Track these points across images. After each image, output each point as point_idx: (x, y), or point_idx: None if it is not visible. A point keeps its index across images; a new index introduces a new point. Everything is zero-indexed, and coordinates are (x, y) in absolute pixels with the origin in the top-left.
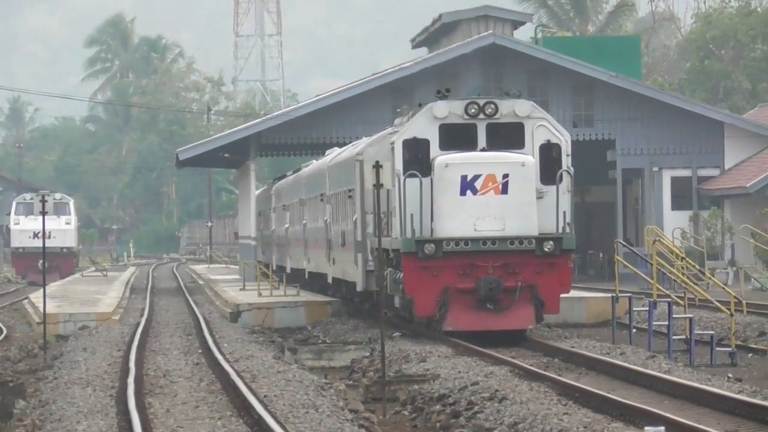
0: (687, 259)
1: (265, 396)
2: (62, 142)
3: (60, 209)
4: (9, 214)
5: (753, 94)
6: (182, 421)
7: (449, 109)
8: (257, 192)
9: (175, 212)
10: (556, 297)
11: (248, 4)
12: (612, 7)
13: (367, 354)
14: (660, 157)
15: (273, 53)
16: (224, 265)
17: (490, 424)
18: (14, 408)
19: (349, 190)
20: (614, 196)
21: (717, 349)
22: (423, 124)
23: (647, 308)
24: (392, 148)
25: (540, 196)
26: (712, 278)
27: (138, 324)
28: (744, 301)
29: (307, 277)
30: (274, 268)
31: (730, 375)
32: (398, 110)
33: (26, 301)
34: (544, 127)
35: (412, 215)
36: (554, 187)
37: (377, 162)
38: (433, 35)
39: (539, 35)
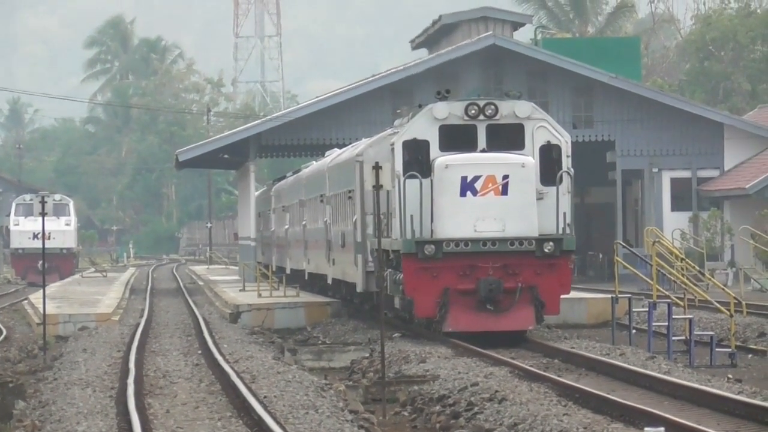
0: (687, 260)
1: (264, 397)
2: (62, 143)
3: (60, 210)
4: (9, 215)
5: (753, 96)
6: (182, 422)
7: (449, 110)
8: (257, 193)
9: (174, 213)
10: (557, 298)
11: (248, 5)
12: (612, 8)
13: (367, 355)
14: (660, 158)
15: (273, 54)
16: (224, 266)
17: (490, 425)
18: (14, 409)
19: (349, 191)
20: (614, 197)
21: (717, 349)
22: (423, 125)
23: (647, 309)
24: (392, 149)
25: (540, 197)
26: (712, 279)
27: (138, 325)
28: (744, 302)
29: (306, 278)
30: (274, 269)
31: (730, 376)
32: (398, 111)
33: (26, 301)
34: (544, 128)
35: (412, 216)
36: (554, 188)
37: (377, 163)
38: (433, 36)
39: (539, 36)
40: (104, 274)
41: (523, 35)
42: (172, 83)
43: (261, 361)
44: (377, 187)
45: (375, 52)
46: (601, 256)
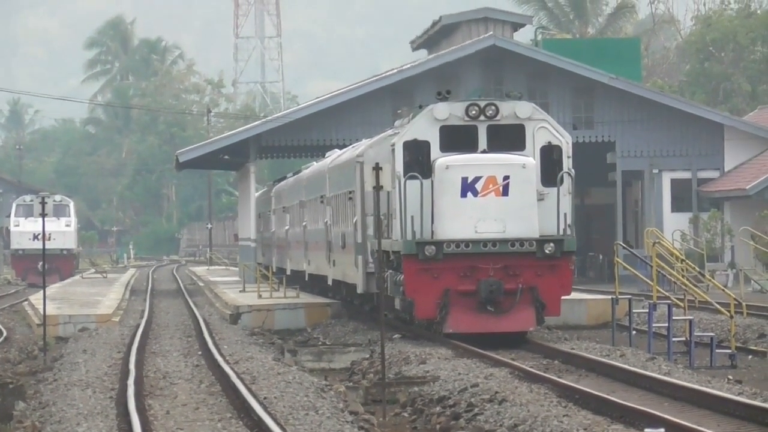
0: (687, 261)
1: (265, 398)
2: (62, 144)
3: (60, 211)
4: (9, 216)
5: (753, 97)
6: (182, 423)
7: (450, 111)
8: (257, 194)
9: (174, 214)
10: (557, 299)
11: (248, 6)
12: (612, 9)
13: (367, 356)
14: (660, 159)
15: (273, 55)
16: (224, 267)
17: (490, 426)
18: (14, 410)
19: (350, 192)
20: (614, 198)
21: (717, 351)
22: (423, 126)
23: (647, 310)
24: (393, 150)
25: (541, 197)
26: (712, 280)
27: (138, 326)
28: (744, 303)
29: (307, 279)
30: (274, 270)
31: (730, 377)
32: (399, 112)
33: (26, 302)
34: (545, 128)
35: (412, 217)
36: (555, 188)
37: (377, 164)
38: (433, 37)
39: (539, 37)
40: (104, 275)
41: (524, 36)
42: (173, 84)
43: (261, 362)
44: (377, 187)
45: (375, 53)
46: (601, 257)
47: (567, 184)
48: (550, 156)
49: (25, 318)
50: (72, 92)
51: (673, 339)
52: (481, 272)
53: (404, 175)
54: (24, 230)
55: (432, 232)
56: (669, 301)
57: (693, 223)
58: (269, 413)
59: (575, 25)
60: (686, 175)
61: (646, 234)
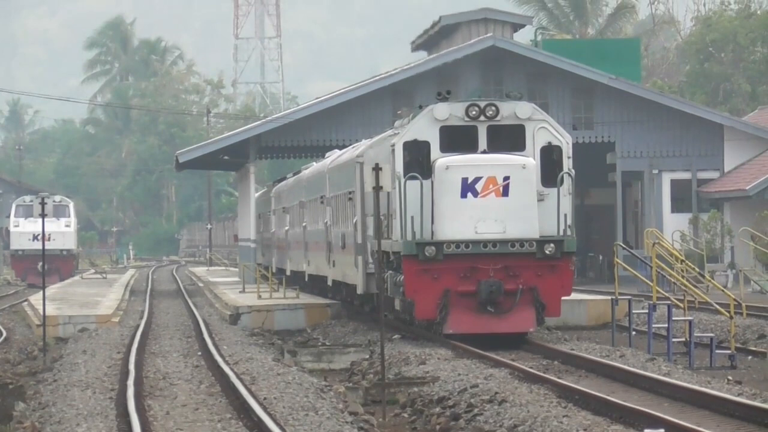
0: (686, 261)
1: (264, 398)
2: (62, 145)
3: (60, 211)
4: (9, 217)
5: (752, 97)
6: (182, 424)
7: (450, 111)
8: (257, 194)
9: (174, 215)
10: (557, 300)
11: (248, 6)
12: (612, 9)
13: (367, 356)
14: (660, 159)
15: (273, 56)
16: (224, 268)
17: (490, 427)
18: (14, 410)
19: (350, 193)
20: (614, 199)
21: (716, 351)
22: (423, 126)
23: (647, 311)
24: (393, 151)
25: (541, 198)
26: (712, 281)
27: (138, 326)
28: (743, 304)
29: (307, 279)
30: (274, 270)
31: (730, 377)
32: (399, 112)
33: (26, 303)
34: (545, 129)
35: (412, 218)
36: (555, 189)
37: (377, 164)
38: (433, 38)
39: (539, 38)
40: (104, 275)
41: (523, 36)
42: (172, 84)
43: (261, 363)
44: (377, 188)
45: (375, 54)
46: (600, 257)
47: (567, 184)
48: (550, 156)
49: (25, 318)
50: (72, 93)
51: (673, 340)
52: (481, 273)
53: (404, 176)
54: (24, 231)
55: (432, 232)
56: (669, 302)
57: (693, 224)
58: (269, 414)
59: (575, 25)
60: (686, 175)
61: (645, 234)
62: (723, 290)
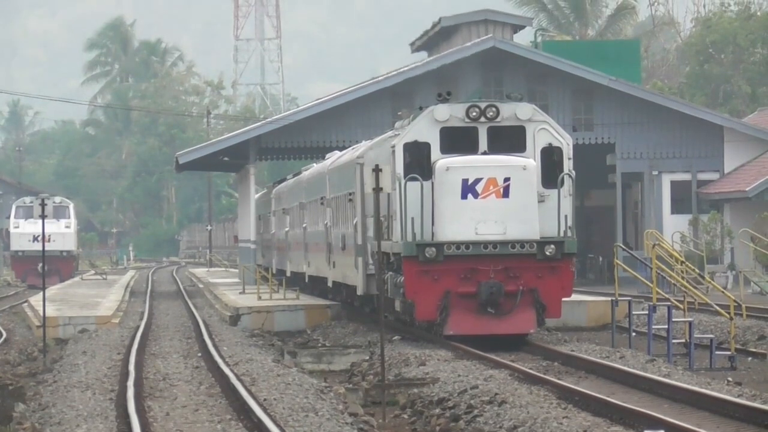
0: (686, 262)
1: (264, 399)
2: (62, 146)
3: (60, 213)
4: (9, 218)
5: (752, 98)
6: (182, 425)
7: (450, 113)
8: (257, 195)
9: (174, 216)
10: (558, 301)
11: (248, 8)
12: (612, 10)
13: (367, 357)
14: (659, 161)
15: (273, 57)
16: (224, 269)
17: (490, 428)
18: (14, 411)
19: (350, 194)
20: (614, 200)
21: (716, 352)
22: (424, 128)
23: (647, 312)
24: (393, 152)
25: (541, 199)
26: (712, 282)
27: (138, 327)
28: (743, 305)
29: (307, 280)
30: (274, 271)
31: (730, 378)
32: (399, 113)
33: (26, 304)
34: (545, 130)
35: (413, 219)
36: (555, 190)
37: (377, 165)
38: (433, 39)
39: (539, 39)
40: (104, 276)
41: (523, 38)
42: (172, 86)
43: (261, 364)
44: (377, 189)
45: (375, 55)
46: (601, 258)
47: (567, 185)
48: (550, 157)
49: (25, 320)
50: (72, 94)
51: (673, 341)
52: (482, 274)
53: (404, 177)
54: (24, 232)
55: (432, 233)
56: (669, 303)
57: (693, 225)
58: (269, 415)
59: (575, 26)
60: (686, 176)
61: (645, 236)
62: (723, 291)
